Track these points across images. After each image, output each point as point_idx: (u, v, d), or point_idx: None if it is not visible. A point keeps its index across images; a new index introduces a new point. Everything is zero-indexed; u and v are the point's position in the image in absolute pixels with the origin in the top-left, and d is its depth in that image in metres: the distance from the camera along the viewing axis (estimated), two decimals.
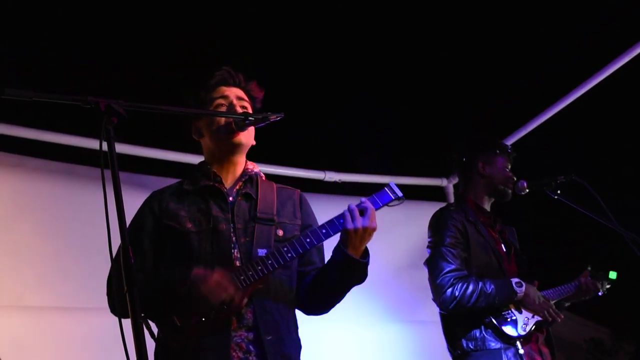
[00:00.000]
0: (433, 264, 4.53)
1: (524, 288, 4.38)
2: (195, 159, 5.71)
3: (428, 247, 4.67)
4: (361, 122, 6.30)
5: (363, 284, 5.30)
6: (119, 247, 2.39)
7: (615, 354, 10.85)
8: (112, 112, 2.46)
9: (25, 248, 5.20)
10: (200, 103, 3.47)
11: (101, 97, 2.46)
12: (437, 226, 4.66)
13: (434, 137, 6.43)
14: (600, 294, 4.96)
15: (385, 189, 3.51)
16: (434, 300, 4.51)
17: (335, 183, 6.83)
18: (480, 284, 4.33)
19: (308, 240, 3.22)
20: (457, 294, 4.33)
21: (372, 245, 5.66)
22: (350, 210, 3.27)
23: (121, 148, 5.43)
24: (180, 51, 5.41)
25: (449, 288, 4.36)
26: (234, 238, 3.26)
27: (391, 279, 6.42)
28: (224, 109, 3.43)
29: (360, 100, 6.07)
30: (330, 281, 3.31)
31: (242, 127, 3.26)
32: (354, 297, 4.70)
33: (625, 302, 9.04)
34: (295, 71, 5.73)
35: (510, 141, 6.62)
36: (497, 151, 4.79)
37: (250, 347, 3.10)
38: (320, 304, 3.44)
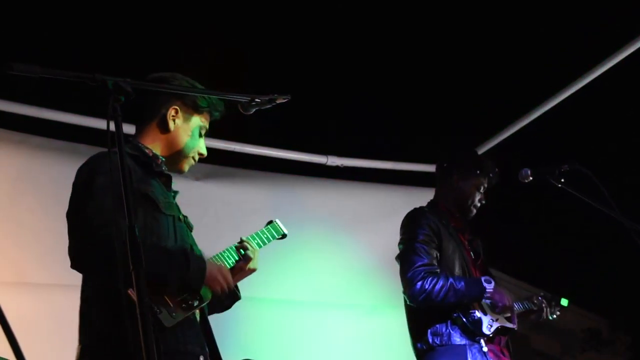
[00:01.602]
0: (404, 258, 4.60)
1: (492, 285, 4.46)
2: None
3: (400, 243, 4.72)
4: (365, 106, 6.28)
5: (363, 268, 5.32)
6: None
7: (611, 344, 10.87)
8: (119, 91, 2.44)
9: (28, 225, 5.23)
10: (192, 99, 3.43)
11: (109, 75, 2.45)
12: (410, 223, 4.72)
13: (439, 123, 6.41)
14: (550, 318, 4.98)
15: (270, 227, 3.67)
16: (404, 293, 4.56)
17: (337, 167, 6.83)
18: (451, 279, 4.40)
19: (233, 259, 3.41)
20: (427, 287, 4.38)
21: (371, 232, 5.68)
22: (253, 251, 3.43)
23: (128, 128, 5.43)
24: (184, 33, 5.39)
25: (419, 281, 4.41)
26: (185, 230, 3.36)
27: (391, 266, 6.44)
28: (203, 134, 3.48)
29: (365, 82, 6.06)
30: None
31: (248, 109, 3.25)
32: (343, 282, 4.74)
33: (622, 292, 9.06)
34: (299, 53, 5.71)
35: (512, 130, 6.63)
36: (477, 172, 4.83)
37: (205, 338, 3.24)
38: None
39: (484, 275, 4.70)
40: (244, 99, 3.12)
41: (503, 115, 6.68)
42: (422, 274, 4.42)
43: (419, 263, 4.47)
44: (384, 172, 7.01)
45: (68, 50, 5.12)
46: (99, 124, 5.14)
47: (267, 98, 3.12)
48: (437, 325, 4.44)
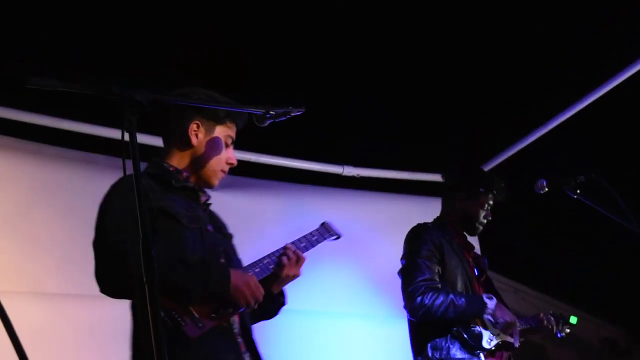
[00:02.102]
0: (406, 273, 4.64)
1: (494, 301, 4.47)
2: None
3: (402, 258, 4.76)
4: (382, 116, 6.28)
5: (371, 276, 5.32)
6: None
7: (629, 355, 10.83)
8: (135, 103, 2.45)
9: (43, 235, 5.25)
10: (212, 111, 3.43)
11: (125, 87, 2.46)
12: (414, 239, 4.75)
13: (455, 133, 6.41)
14: (560, 335, 4.97)
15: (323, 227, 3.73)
16: (405, 307, 4.60)
17: (353, 178, 6.84)
18: (451, 295, 4.42)
19: (272, 266, 3.38)
20: (426, 302, 4.41)
21: (387, 242, 5.67)
22: (290, 258, 3.39)
23: (142, 139, 5.45)
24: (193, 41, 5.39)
25: (419, 296, 4.44)
26: (218, 241, 3.36)
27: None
28: (229, 144, 3.49)
29: (381, 93, 6.06)
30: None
31: (262, 121, 3.25)
32: (359, 291, 4.74)
33: (639, 303, 9.02)
34: (316, 63, 5.71)
35: (528, 141, 6.62)
36: (482, 189, 4.83)
37: (245, 348, 3.22)
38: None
39: (487, 292, 4.71)
40: (258, 111, 3.14)
41: (517, 126, 6.68)
42: (423, 289, 4.45)
43: (420, 278, 4.50)
44: (400, 182, 7.01)
45: (73, 52, 5.13)
46: (115, 134, 5.15)
47: (281, 111, 3.13)
48: (437, 340, 4.46)
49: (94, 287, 5.17)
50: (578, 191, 4.16)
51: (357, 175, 6.84)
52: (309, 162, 6.58)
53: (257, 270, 3.32)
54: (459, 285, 4.57)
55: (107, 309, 5.05)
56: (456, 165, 5.10)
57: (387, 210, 6.23)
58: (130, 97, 2.45)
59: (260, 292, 3.18)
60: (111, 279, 3.07)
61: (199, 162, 3.42)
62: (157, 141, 5.70)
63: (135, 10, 4.97)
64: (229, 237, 3.52)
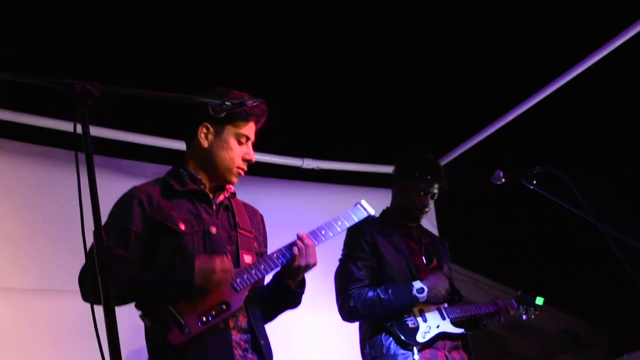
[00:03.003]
0: (338, 276, 4.67)
1: (425, 294, 4.42)
2: (173, 144, 5.74)
3: (339, 259, 4.76)
4: (341, 109, 6.29)
5: (331, 269, 5.31)
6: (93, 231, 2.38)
7: (590, 347, 10.92)
8: (87, 95, 2.45)
9: (2, 231, 5.20)
10: (218, 108, 3.36)
11: (76, 79, 2.45)
12: (348, 240, 4.73)
13: (415, 126, 6.43)
14: (524, 318, 4.97)
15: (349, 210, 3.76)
16: (338, 310, 4.60)
17: (313, 170, 6.85)
18: (378, 290, 4.42)
19: (281, 260, 3.38)
20: (352, 304, 4.44)
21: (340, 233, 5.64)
22: (299, 247, 3.39)
23: (96, 131, 5.42)
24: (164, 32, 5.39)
25: (346, 298, 4.48)
26: (223, 242, 3.37)
27: None
28: (244, 142, 3.53)
29: (341, 86, 6.07)
30: (269, 305, 3.50)
31: (219, 112, 3.26)
32: (324, 284, 4.73)
33: (600, 295, 9.09)
34: (276, 56, 5.72)
35: (490, 131, 6.66)
36: (416, 174, 4.75)
37: (247, 346, 3.24)
38: (267, 319, 3.55)
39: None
40: (214, 102, 3.14)
41: (475, 119, 6.71)
42: (350, 291, 4.48)
43: (349, 281, 4.54)
44: (359, 174, 7.03)
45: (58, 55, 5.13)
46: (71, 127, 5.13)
47: (237, 101, 3.14)
48: (376, 337, 4.46)
49: (52, 282, 5.20)
50: (535, 182, 4.18)
51: (317, 167, 6.85)
52: (268, 154, 6.58)
53: (262, 267, 3.33)
54: (399, 279, 4.53)
55: (65, 303, 5.07)
56: (398, 154, 5.04)
57: (346, 202, 6.19)
58: (83, 89, 2.44)
59: (229, 268, 3.19)
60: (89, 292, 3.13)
61: (212, 163, 3.49)
62: (112, 134, 5.83)
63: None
64: (247, 232, 3.52)
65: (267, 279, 3.51)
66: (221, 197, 3.52)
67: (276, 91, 4.76)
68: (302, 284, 3.49)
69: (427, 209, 4.84)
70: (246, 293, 3.25)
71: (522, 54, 5.95)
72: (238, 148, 3.50)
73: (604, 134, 6.82)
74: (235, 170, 3.50)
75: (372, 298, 4.40)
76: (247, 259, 3.38)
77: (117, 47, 5.31)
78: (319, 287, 4.94)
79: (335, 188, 6.92)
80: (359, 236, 4.64)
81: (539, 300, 4.91)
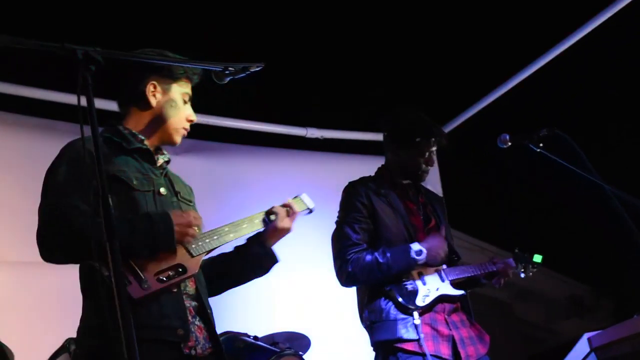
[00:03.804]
0: (334, 240, 4.57)
1: (424, 255, 4.33)
2: None
3: (336, 221, 4.65)
4: (344, 78, 6.27)
5: None
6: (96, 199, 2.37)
7: (594, 311, 10.95)
8: (90, 60, 2.41)
9: (3, 203, 5.20)
10: (167, 70, 3.39)
11: (79, 44, 2.41)
12: (343, 202, 4.65)
13: (419, 93, 6.41)
14: (522, 276, 4.90)
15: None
16: (336, 276, 4.51)
17: (317, 139, 6.84)
18: (376, 254, 4.33)
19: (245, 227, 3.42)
20: (349, 269, 4.34)
21: None
22: (281, 210, 3.47)
23: (100, 104, 5.41)
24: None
25: (344, 264, 4.38)
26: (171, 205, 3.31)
27: None
28: (187, 101, 3.45)
29: (344, 55, 6.04)
30: (235, 272, 3.52)
31: (222, 78, 3.22)
32: (324, 248, 4.74)
33: (605, 260, 9.10)
34: (281, 25, 5.69)
35: (495, 96, 6.65)
36: (418, 139, 4.64)
37: (195, 313, 3.19)
38: (216, 291, 3.51)
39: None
40: (217, 68, 3.10)
41: (479, 85, 6.69)
42: (347, 255, 4.39)
43: (345, 245, 4.44)
44: (362, 143, 7.02)
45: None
46: (73, 99, 5.12)
47: (240, 66, 3.10)
48: (375, 301, 4.36)
49: None
50: (541, 145, 4.14)
51: (321, 137, 6.85)
52: (272, 124, 6.57)
53: (215, 237, 3.30)
54: (397, 240, 4.44)
55: (68, 276, 5.03)
56: (391, 115, 4.89)
57: (350, 170, 6.19)
58: (85, 53, 2.41)
59: (198, 218, 3.18)
60: (49, 242, 3.03)
61: (159, 122, 3.39)
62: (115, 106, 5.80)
63: None
64: (187, 202, 3.47)
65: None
66: (161, 161, 3.44)
67: (280, 60, 4.73)
68: (274, 254, 3.55)
69: (431, 167, 4.79)
70: (201, 259, 3.21)
71: (526, 18, 5.92)
72: (183, 108, 3.43)
73: (606, 97, 6.81)
74: (181, 131, 3.44)
75: (370, 263, 4.31)
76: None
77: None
78: (317, 249, 4.98)
79: (339, 156, 6.91)
80: (355, 197, 4.56)
81: (537, 258, 4.86)
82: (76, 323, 3.30)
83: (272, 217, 3.47)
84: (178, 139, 3.45)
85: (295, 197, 3.69)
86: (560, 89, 6.72)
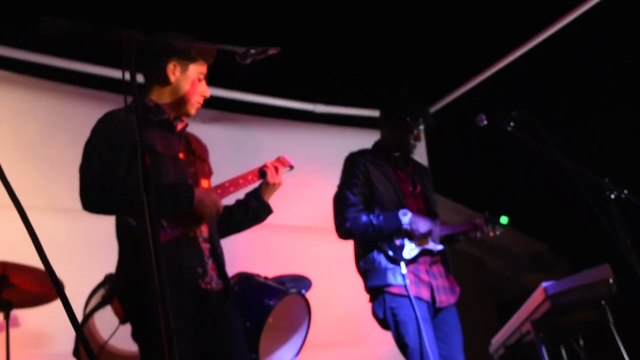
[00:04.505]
0: (335, 201, 4.68)
1: (409, 217, 4.45)
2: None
3: (337, 186, 4.77)
4: (351, 57, 6.27)
5: None
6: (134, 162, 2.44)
7: (554, 266, 10.97)
8: (133, 41, 2.44)
9: (60, 160, 5.27)
10: (186, 52, 3.45)
11: (124, 27, 2.44)
12: (344, 169, 4.77)
13: (418, 71, 6.41)
14: (491, 235, 4.96)
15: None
16: (335, 230, 4.64)
17: (324, 115, 6.84)
18: (371, 217, 4.47)
19: (249, 179, 3.54)
20: (348, 225, 4.49)
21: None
22: (271, 167, 3.58)
23: (141, 78, 5.45)
24: None
25: (343, 221, 4.53)
26: (187, 166, 3.43)
27: None
28: (202, 79, 3.51)
29: (351, 36, 6.03)
30: (239, 221, 3.62)
31: (244, 59, 3.26)
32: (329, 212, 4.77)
33: (562, 222, 9.12)
34: (288, 7, 5.67)
35: (479, 79, 6.63)
36: (408, 119, 4.73)
37: (209, 253, 3.32)
38: (223, 235, 3.60)
39: (426, 205, 4.75)
40: (240, 50, 3.14)
41: (467, 67, 6.67)
42: (347, 214, 4.52)
43: (345, 204, 4.57)
44: (361, 118, 7.02)
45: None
46: (119, 74, 5.15)
47: (260, 49, 3.13)
48: (368, 253, 4.51)
49: None
50: (511, 124, 4.17)
51: (327, 112, 6.85)
52: (283, 99, 6.61)
53: (226, 184, 3.43)
54: (388, 204, 4.57)
55: (111, 225, 5.09)
56: (387, 97, 5.01)
57: (353, 142, 6.22)
58: (130, 36, 2.44)
59: (220, 205, 3.32)
60: (90, 199, 3.20)
61: (177, 97, 3.46)
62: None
63: None
64: (201, 159, 3.58)
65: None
66: (180, 126, 3.51)
67: (290, 40, 4.71)
68: (268, 206, 3.65)
69: (419, 142, 4.87)
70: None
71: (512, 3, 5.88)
72: (198, 85, 3.50)
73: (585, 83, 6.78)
74: (196, 104, 3.51)
75: (365, 222, 4.46)
76: (204, 183, 3.45)
77: None
78: (324, 208, 5.02)
79: (343, 129, 6.92)
80: (355, 166, 4.68)
81: (504, 220, 4.93)
82: (114, 262, 3.37)
83: (264, 173, 3.55)
84: (193, 111, 3.52)
85: (278, 157, 3.74)
86: (541, 73, 6.69)
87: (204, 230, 3.33)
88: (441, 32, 6.16)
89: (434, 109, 7.00)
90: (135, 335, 3.19)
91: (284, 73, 5.75)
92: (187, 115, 3.53)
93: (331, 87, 6.65)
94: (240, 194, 3.65)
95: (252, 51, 3.09)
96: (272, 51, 3.13)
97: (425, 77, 6.46)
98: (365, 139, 5.08)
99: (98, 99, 5.63)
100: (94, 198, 3.18)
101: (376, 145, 4.91)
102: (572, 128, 7.01)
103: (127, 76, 2.44)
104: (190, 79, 3.46)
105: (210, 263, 3.31)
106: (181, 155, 3.41)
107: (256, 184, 3.62)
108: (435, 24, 6.05)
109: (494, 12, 5.96)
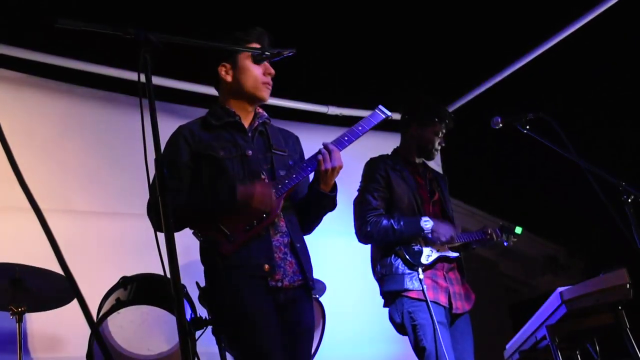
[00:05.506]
0: (356, 204, 4.68)
1: (431, 223, 4.46)
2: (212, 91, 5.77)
3: (358, 190, 4.77)
4: (364, 60, 6.26)
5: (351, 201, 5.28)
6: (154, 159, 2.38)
7: (568, 269, 10.93)
8: (149, 43, 2.43)
9: (73, 162, 5.30)
10: (234, 42, 3.46)
11: (140, 29, 2.43)
12: (365, 174, 4.76)
13: (430, 74, 6.39)
14: (506, 244, 4.98)
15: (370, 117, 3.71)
16: (355, 234, 4.64)
17: (337, 116, 6.83)
18: (392, 221, 4.45)
19: (309, 169, 3.39)
20: (368, 229, 4.48)
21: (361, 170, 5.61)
22: (322, 154, 3.38)
23: (156, 80, 5.45)
24: None
25: (364, 224, 4.52)
26: (259, 162, 3.40)
27: None
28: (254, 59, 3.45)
29: (364, 39, 6.02)
30: (308, 212, 3.52)
31: (259, 61, 3.29)
32: (345, 213, 4.76)
33: (577, 225, 9.07)
34: (305, 6, 5.66)
35: (494, 81, 6.60)
36: (435, 119, 4.75)
37: (287, 249, 3.31)
38: (305, 228, 3.56)
39: (442, 212, 4.74)
40: (256, 52, 3.15)
41: (484, 68, 6.64)
42: (367, 218, 4.51)
43: (366, 208, 4.56)
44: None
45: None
46: (132, 76, 5.16)
47: (275, 51, 3.14)
48: (386, 258, 4.50)
49: (117, 206, 5.26)
50: (527, 127, 4.16)
51: (340, 114, 6.84)
52: (297, 102, 6.60)
53: (293, 176, 3.35)
54: (407, 209, 4.57)
55: (128, 224, 5.12)
56: (410, 100, 5.00)
57: (366, 144, 6.25)
58: (146, 38, 2.43)
59: (272, 197, 3.22)
60: (151, 220, 3.28)
61: (239, 91, 3.49)
62: (169, 82, 5.86)
63: None
64: (281, 151, 3.53)
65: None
66: (256, 124, 3.52)
67: (304, 42, 4.71)
68: (334, 189, 3.47)
69: (442, 146, 4.86)
70: (282, 201, 3.28)
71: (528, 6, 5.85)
72: (257, 68, 3.46)
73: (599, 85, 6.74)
74: (262, 86, 3.48)
75: (386, 226, 4.45)
76: (282, 173, 3.41)
77: None
78: (335, 213, 5.02)
79: None
80: (375, 170, 4.68)
81: (518, 230, 4.97)
82: (128, 265, 3.41)
83: (319, 156, 3.37)
84: (262, 94, 3.51)
85: (374, 110, 3.75)
86: (554, 75, 6.66)
87: (279, 223, 3.33)
88: (456, 34, 6.13)
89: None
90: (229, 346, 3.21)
91: (298, 75, 5.74)
92: (261, 100, 3.53)
93: (344, 88, 6.63)
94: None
95: (267, 53, 3.10)
96: (287, 53, 3.12)
97: (439, 79, 6.44)
98: (379, 141, 5.08)
99: (111, 100, 5.65)
100: (152, 221, 3.26)
101: (395, 151, 4.92)
102: (589, 131, 6.97)
103: (143, 78, 2.43)
104: (245, 70, 3.45)
105: (287, 258, 3.30)
106: (249, 153, 3.40)
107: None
108: (450, 26, 6.02)
109: (508, 15, 5.94)
